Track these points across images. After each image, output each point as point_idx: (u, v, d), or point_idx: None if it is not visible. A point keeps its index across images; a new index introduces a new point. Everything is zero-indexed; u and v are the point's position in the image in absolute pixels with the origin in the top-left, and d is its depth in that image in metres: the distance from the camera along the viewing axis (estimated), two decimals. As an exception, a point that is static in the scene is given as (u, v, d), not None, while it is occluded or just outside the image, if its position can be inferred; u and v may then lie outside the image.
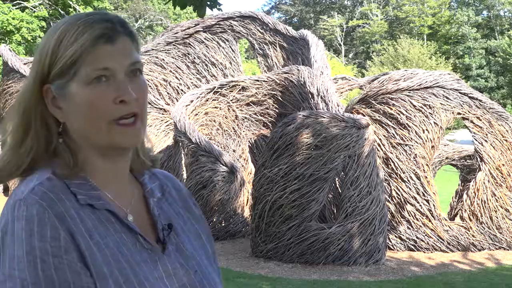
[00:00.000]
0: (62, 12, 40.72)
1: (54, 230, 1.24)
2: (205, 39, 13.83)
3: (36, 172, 1.36)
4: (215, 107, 11.73)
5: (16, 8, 39.13)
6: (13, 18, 37.22)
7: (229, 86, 11.82)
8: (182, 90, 13.61)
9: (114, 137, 1.34)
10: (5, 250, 1.25)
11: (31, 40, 38.52)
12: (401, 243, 9.89)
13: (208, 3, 4.79)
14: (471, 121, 10.04)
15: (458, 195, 11.29)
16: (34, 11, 39.69)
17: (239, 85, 11.84)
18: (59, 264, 1.23)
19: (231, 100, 11.80)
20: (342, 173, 9.21)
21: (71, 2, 40.03)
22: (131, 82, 1.35)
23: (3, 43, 32.52)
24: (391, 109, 9.68)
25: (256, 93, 11.81)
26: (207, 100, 11.66)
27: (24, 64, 16.29)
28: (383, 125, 9.72)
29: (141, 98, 1.37)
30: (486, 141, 10.02)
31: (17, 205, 1.27)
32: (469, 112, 9.94)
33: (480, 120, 10.02)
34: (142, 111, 1.37)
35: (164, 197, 1.53)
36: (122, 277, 1.29)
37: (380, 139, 9.70)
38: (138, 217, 1.43)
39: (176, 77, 13.78)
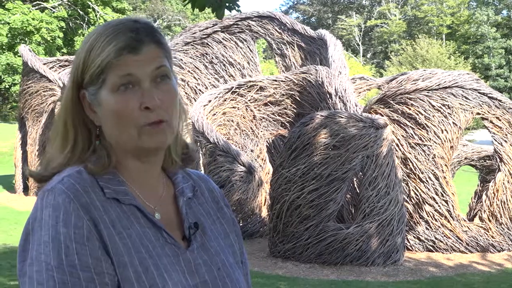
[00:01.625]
0: (81, 12, 41.01)
1: (78, 218, 1.31)
2: (223, 39, 13.87)
3: (68, 168, 1.43)
4: (233, 107, 11.75)
5: (36, 9, 39.46)
6: (33, 19, 37.54)
7: (247, 86, 11.84)
8: (200, 90, 13.65)
9: (142, 139, 1.39)
10: (34, 235, 1.32)
11: (51, 41, 38.82)
12: (419, 244, 9.85)
13: (227, 4, 4.80)
14: (491, 121, 9.97)
15: (477, 196, 11.21)
16: (54, 12, 39.97)
17: (257, 85, 11.85)
18: (81, 250, 1.29)
19: (249, 100, 11.82)
20: (360, 173, 9.19)
21: (90, 3, 40.27)
22: (156, 88, 1.40)
23: (23, 43, 32.80)
24: (410, 109, 9.64)
25: (274, 93, 11.82)
26: (225, 100, 11.69)
27: (44, 64, 16.42)
28: (402, 125, 9.69)
29: (167, 103, 1.40)
30: (505, 141, 9.95)
31: (46, 194, 1.35)
32: (488, 112, 9.88)
33: (500, 120, 9.95)
34: (169, 116, 1.41)
35: (195, 197, 1.58)
36: (141, 266, 1.34)
37: (398, 139, 9.67)
38: (166, 214, 1.49)
39: (194, 77, 13.82)
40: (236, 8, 4.93)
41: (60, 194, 1.33)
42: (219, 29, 13.84)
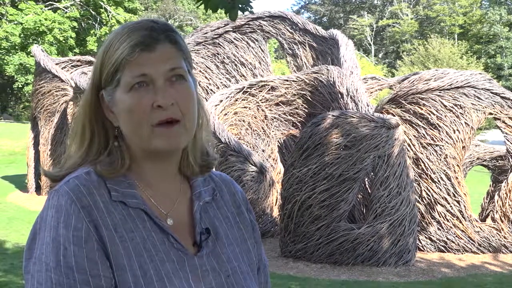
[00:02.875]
0: (93, 12, 41.15)
1: (77, 220, 1.32)
2: (234, 39, 13.87)
3: (79, 168, 1.43)
4: (244, 107, 11.76)
5: (49, 9, 39.65)
6: (46, 19, 37.72)
7: (258, 86, 11.84)
8: (211, 90, 13.66)
9: (153, 140, 1.38)
10: (40, 234, 1.34)
11: (63, 41, 38.98)
12: (431, 244, 9.82)
13: (240, 5, 4.78)
14: (503, 121, 9.93)
15: (489, 196, 11.16)
16: (66, 12, 40.13)
17: (269, 85, 11.85)
18: (78, 252, 1.30)
19: (260, 100, 11.82)
20: (372, 173, 9.17)
21: (102, 3, 40.40)
22: (171, 88, 1.39)
23: (35, 43, 32.96)
24: (422, 109, 9.62)
25: (285, 93, 11.81)
26: (236, 100, 11.69)
27: (56, 64, 16.50)
28: (413, 125, 9.66)
29: (181, 103, 1.39)
30: (518, 141, 9.92)
31: (52, 195, 1.37)
32: (501, 112, 9.84)
33: (512, 120, 9.91)
34: (184, 116, 1.40)
35: (214, 201, 1.56)
36: (141, 271, 1.33)
37: (410, 139, 9.65)
38: (179, 219, 1.47)
39: (206, 77, 13.83)
40: (249, 9, 4.91)
41: (63, 196, 1.34)
42: (231, 29, 13.85)
